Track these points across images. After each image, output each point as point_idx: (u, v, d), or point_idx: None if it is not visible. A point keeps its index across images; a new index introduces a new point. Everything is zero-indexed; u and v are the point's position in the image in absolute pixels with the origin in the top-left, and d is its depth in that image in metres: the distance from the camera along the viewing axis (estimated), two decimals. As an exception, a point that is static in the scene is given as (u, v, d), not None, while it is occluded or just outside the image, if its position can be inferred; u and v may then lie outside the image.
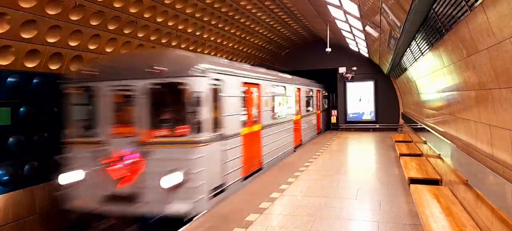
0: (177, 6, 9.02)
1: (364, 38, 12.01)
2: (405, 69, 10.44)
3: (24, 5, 5.97)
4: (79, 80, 6.36)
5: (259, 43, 15.64)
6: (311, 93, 16.61)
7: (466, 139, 4.97)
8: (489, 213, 3.77)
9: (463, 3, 3.51)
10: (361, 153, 12.14)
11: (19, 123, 6.87)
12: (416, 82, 9.50)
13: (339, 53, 18.50)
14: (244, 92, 8.07)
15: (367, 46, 13.65)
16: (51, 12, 6.44)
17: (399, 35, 6.95)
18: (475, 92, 4.16)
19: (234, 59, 14.18)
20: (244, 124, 7.86)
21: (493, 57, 3.28)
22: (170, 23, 9.45)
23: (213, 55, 12.78)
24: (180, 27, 9.97)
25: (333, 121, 20.29)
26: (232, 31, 12.55)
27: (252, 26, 13.23)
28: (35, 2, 6.08)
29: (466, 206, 4.66)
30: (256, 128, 8.73)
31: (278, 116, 10.83)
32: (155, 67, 5.79)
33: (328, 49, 15.01)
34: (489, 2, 3.00)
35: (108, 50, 8.27)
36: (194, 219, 5.63)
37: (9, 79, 6.56)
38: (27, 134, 7.01)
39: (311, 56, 20.05)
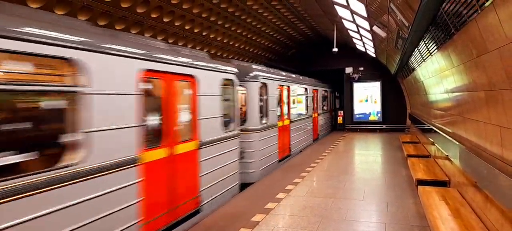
0: (184, 6, 9.04)
1: (371, 38, 11.93)
2: (413, 69, 10.35)
3: (33, 5, 6.02)
4: None
5: (266, 44, 15.62)
6: (305, 93, 13.93)
7: (475, 140, 4.90)
8: (499, 215, 3.72)
9: (474, 2, 3.46)
10: (368, 154, 12.06)
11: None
12: (424, 82, 9.42)
13: (345, 53, 18.44)
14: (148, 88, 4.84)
15: (374, 46, 13.56)
16: (59, 12, 6.49)
17: (407, 35, 6.88)
18: (485, 93, 4.10)
19: (240, 59, 14.17)
20: (154, 141, 4.80)
21: (504, 57, 3.23)
22: (177, 23, 9.47)
23: (219, 55, 12.81)
24: (187, 27, 9.99)
25: (340, 121, 20.22)
26: (238, 31, 12.54)
27: (258, 26, 13.21)
28: (43, 2, 6.14)
29: (475, 208, 4.60)
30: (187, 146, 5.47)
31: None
32: None
33: (335, 49, 14.95)
34: (500, 1, 2.95)
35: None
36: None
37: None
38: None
39: (318, 57, 20.06)
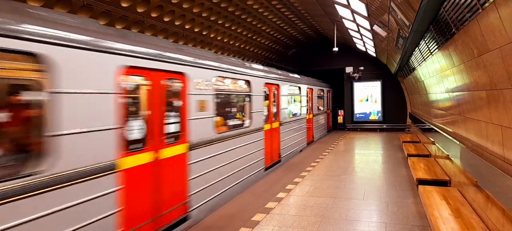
0: (184, 6, 9.04)
1: (371, 38, 11.92)
2: (413, 69, 10.35)
3: (33, 4, 6.02)
4: None
5: (266, 43, 15.62)
6: (248, 90, 8.02)
7: (476, 139, 4.89)
8: (499, 215, 3.71)
9: (475, 1, 3.45)
10: (368, 153, 12.06)
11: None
12: (425, 82, 9.41)
13: (346, 53, 18.49)
14: None
15: (375, 46, 13.56)
16: (59, 11, 6.49)
17: (407, 35, 6.88)
18: (486, 93, 4.09)
19: (241, 59, 14.12)
20: None
21: (506, 56, 3.22)
22: (177, 23, 9.47)
23: (220, 54, 12.74)
24: (187, 27, 9.99)
25: (340, 121, 20.25)
26: (239, 30, 12.55)
27: (259, 25, 13.21)
28: (43, 1, 6.13)
29: (476, 207, 4.59)
30: None
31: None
32: None
33: (335, 49, 14.95)
34: (501, 0, 2.94)
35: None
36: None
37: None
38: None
39: (318, 56, 20.09)
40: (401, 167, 9.44)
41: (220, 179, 6.40)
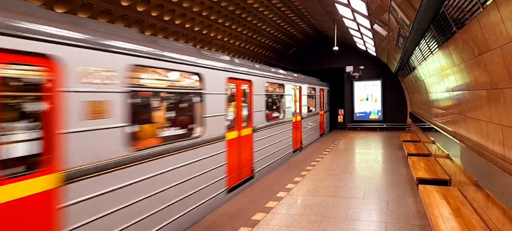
0: (184, 5, 9.03)
1: (371, 37, 11.91)
2: (414, 68, 10.33)
3: (33, 2, 6.00)
4: None
5: (266, 42, 15.61)
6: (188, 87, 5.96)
7: (477, 139, 4.89)
8: (500, 214, 3.70)
9: (475, 0, 3.44)
10: (368, 153, 12.05)
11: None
12: (425, 81, 9.40)
13: (346, 52, 18.49)
14: None
15: (375, 45, 13.54)
16: (59, 10, 6.48)
17: (408, 34, 6.87)
18: (487, 92, 4.08)
19: (241, 58, 14.11)
20: None
21: (506, 55, 3.22)
22: (177, 22, 9.46)
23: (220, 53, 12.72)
24: (187, 26, 9.98)
25: (340, 120, 20.25)
26: (239, 29, 12.54)
27: (259, 24, 13.20)
28: (43, 0, 6.13)
29: (476, 207, 4.59)
30: None
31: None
32: None
33: (336, 48, 14.94)
34: (502, -1, 2.93)
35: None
36: None
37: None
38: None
39: (318, 55, 20.09)
40: (401, 166, 9.44)
41: (136, 220, 4.21)
